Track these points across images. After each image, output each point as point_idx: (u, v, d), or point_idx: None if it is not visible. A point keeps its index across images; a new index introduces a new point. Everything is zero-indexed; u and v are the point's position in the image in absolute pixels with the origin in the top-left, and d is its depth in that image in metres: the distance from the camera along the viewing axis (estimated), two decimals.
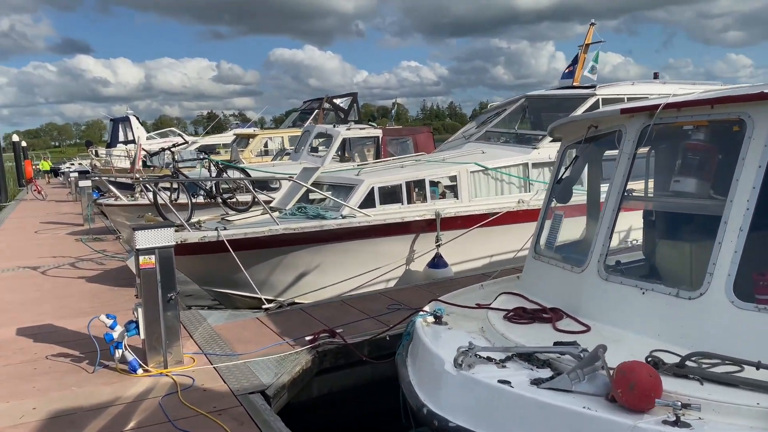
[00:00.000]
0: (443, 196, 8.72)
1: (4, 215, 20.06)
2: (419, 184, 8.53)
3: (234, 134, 27.68)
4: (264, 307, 6.84)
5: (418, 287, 7.55)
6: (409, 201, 8.42)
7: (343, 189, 8.53)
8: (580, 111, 9.38)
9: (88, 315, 7.09)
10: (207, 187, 9.49)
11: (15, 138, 42.01)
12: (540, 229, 5.07)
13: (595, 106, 9.51)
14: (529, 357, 3.46)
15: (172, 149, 9.45)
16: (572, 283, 4.32)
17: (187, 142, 10.57)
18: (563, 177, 5.03)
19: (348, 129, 14.96)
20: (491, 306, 4.48)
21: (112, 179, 15.92)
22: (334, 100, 27.26)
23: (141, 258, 5.03)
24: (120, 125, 33.21)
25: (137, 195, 13.33)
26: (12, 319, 7.11)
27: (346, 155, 15.85)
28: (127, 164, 25.45)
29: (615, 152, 5.04)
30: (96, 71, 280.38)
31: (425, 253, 8.25)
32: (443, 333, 4.10)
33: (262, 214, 8.92)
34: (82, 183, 16.56)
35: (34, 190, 27.30)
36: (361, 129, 15.31)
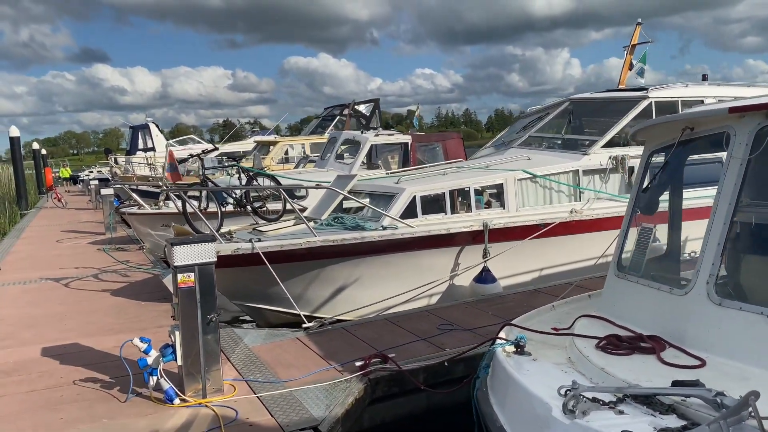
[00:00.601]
0: (488, 205, 8.20)
1: (24, 223, 19.82)
2: (463, 192, 8.01)
3: (254, 141, 27.45)
4: (304, 326, 6.35)
5: (466, 305, 7.01)
6: (453, 211, 7.90)
7: (383, 198, 8.03)
8: (632, 115, 8.85)
9: (116, 333, 6.66)
10: (237, 196, 9.05)
11: (35, 146, 42.15)
12: (623, 243, 4.53)
13: (648, 109, 8.97)
14: (646, 399, 2.93)
15: (201, 155, 9.02)
16: (672, 307, 3.77)
17: (216, 148, 10.11)
18: (649, 184, 4.47)
19: (376, 135, 14.50)
20: (576, 332, 3.95)
21: (134, 187, 15.58)
22: (356, 107, 26.95)
23: (179, 276, 4.55)
24: (139, 133, 33.10)
25: (161, 203, 12.95)
26: (36, 336, 6.68)
27: (372, 162, 15.41)
28: (147, 171, 25.24)
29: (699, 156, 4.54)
30: (113, 80, 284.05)
31: (471, 267, 7.71)
32: (529, 365, 3.56)
33: (295, 224, 8.46)
34: (103, 191, 16.23)
35: (54, 198, 27.13)
36: (389, 135, 14.85)
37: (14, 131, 25.14)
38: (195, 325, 4.65)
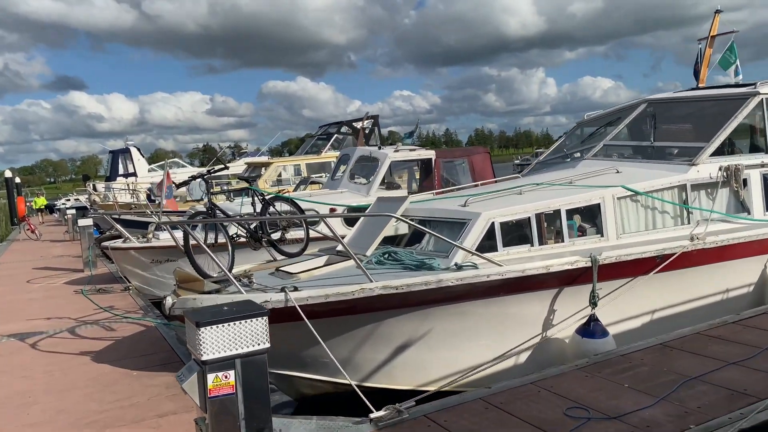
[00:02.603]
0: (582, 232, 6.39)
1: None
2: (552, 216, 6.21)
3: (245, 163, 25.66)
4: (373, 416, 4.44)
5: (582, 371, 5.14)
6: (541, 240, 6.09)
7: (446, 226, 6.21)
8: (742, 115, 7.19)
9: (100, 428, 4.72)
10: (251, 226, 7.16)
11: (8, 173, 39.71)
12: None
13: (759, 107, 7.30)
14: None
15: (206, 177, 7.14)
16: None
17: (227, 167, 8.22)
18: None
19: (396, 151, 12.73)
20: None
21: (117, 216, 13.56)
22: (354, 124, 25.42)
23: (210, 378, 2.67)
24: (120, 157, 31.08)
25: (150, 235, 11.00)
26: None
27: (390, 181, 13.65)
28: (128, 198, 23.16)
29: None
30: (90, 107, 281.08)
31: (570, 315, 5.90)
32: None
33: (327, 262, 6.62)
34: (81, 222, 14.19)
35: (27, 230, 24.90)
36: (411, 150, 13.07)
37: None
38: None
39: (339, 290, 5.23)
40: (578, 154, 8.73)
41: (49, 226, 29.97)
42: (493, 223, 5.90)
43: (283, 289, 5.26)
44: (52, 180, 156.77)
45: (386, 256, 6.08)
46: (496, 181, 9.19)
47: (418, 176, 14.58)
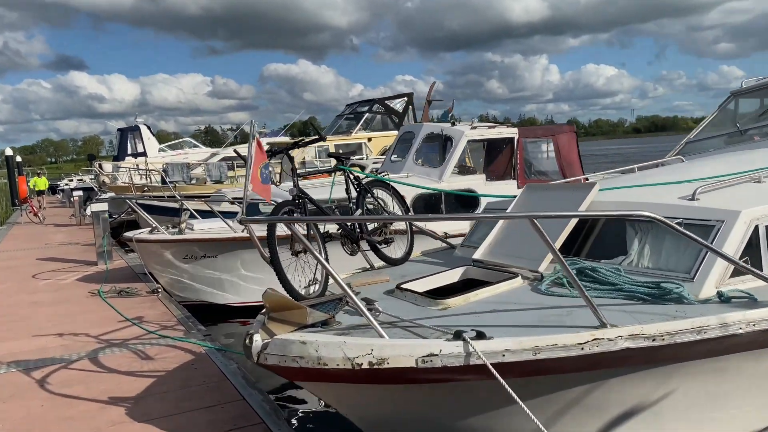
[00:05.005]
0: None
1: None
2: None
3: (267, 144, 23.47)
4: None
5: None
6: None
7: (673, 230, 4.11)
8: None
9: None
10: (349, 225, 5.10)
11: (8, 152, 37.55)
12: None
13: None
14: None
15: (288, 153, 5.06)
16: None
17: (323, 138, 6.01)
18: None
19: (472, 128, 10.65)
20: None
21: (136, 200, 11.46)
22: (387, 102, 23.47)
23: None
24: (129, 136, 28.96)
25: (183, 224, 8.95)
26: None
27: (470, 165, 11.63)
28: (138, 180, 21.05)
29: None
30: (91, 87, 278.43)
31: None
32: None
33: (463, 278, 4.63)
34: (94, 207, 12.12)
35: (29, 212, 22.88)
36: (489, 128, 10.97)
37: None
38: None
39: (556, 340, 3.17)
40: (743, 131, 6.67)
41: (52, 207, 27.92)
42: (756, 227, 3.83)
43: (459, 336, 3.22)
44: (54, 160, 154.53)
45: (581, 274, 4.01)
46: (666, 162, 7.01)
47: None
